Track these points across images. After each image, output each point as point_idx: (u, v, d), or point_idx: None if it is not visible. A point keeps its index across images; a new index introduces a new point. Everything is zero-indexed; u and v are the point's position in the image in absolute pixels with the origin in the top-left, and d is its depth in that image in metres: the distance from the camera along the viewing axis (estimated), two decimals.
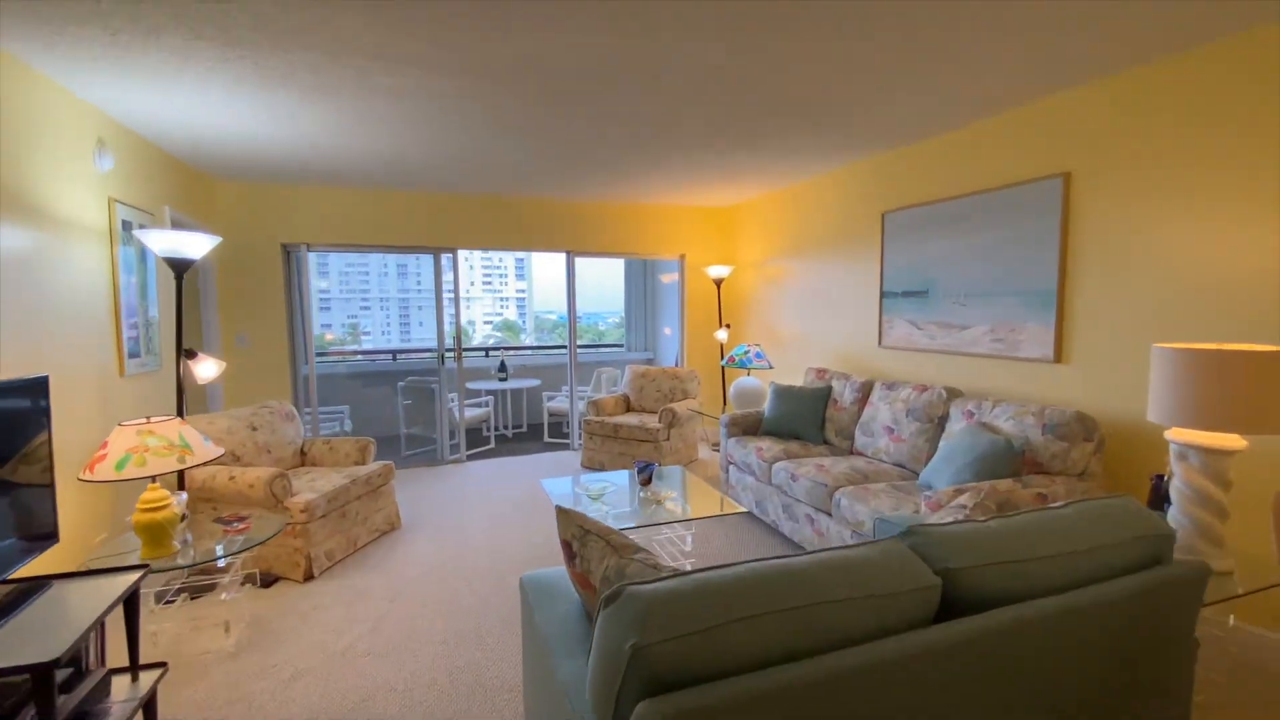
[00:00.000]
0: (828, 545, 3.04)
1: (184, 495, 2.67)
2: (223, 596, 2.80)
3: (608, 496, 3.22)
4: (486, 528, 3.87)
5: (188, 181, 4.19)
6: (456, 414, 5.63)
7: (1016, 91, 2.97)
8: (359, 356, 7.81)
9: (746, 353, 4.81)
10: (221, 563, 2.42)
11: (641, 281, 8.06)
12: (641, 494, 3.23)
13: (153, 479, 2.35)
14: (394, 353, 7.49)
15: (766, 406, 4.22)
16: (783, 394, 4.16)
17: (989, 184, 3.39)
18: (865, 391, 3.87)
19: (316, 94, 2.90)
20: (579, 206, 5.67)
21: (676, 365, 6.61)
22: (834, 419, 3.97)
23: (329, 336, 9.07)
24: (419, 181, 4.80)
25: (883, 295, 4.15)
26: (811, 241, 4.87)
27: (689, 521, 3.25)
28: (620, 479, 3.59)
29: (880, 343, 4.18)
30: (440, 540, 3.68)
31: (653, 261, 8.00)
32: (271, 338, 4.91)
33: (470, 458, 5.78)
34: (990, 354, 3.39)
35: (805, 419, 4.02)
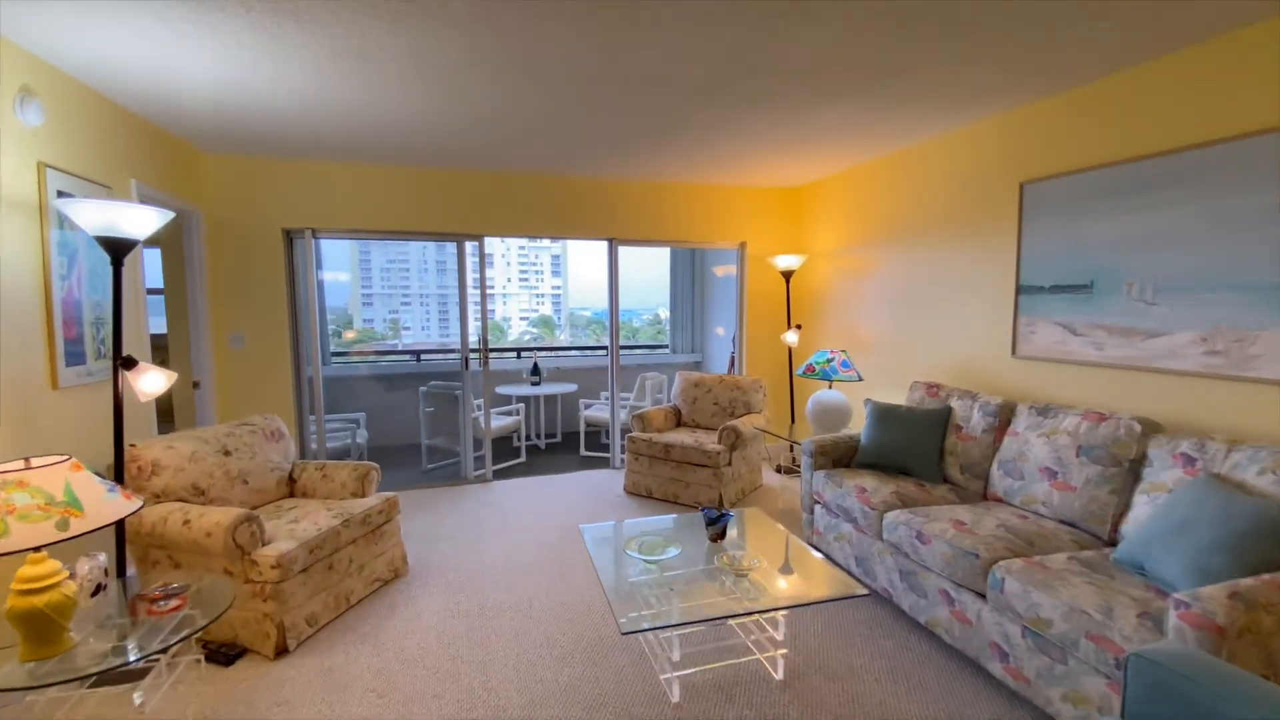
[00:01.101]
0: (983, 638, 2.16)
1: (101, 558, 1.97)
2: (136, 699, 2.09)
3: (668, 558, 2.40)
4: (511, 579, 3.10)
5: (164, 151, 3.54)
6: (483, 423, 4.91)
7: (1237, 8, 2.02)
8: (379, 357, 7.18)
9: (829, 361, 3.92)
10: (135, 660, 1.71)
11: (689, 275, 7.21)
12: (715, 559, 2.40)
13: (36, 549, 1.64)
14: (417, 353, 6.83)
15: (864, 431, 3.33)
16: (885, 416, 3.27)
17: (1189, 139, 2.44)
18: (1004, 416, 2.95)
19: (319, 30, 2.15)
20: (623, 187, 4.85)
21: (734, 372, 5.75)
22: (958, 451, 3.06)
23: (349, 334, 8.44)
24: (441, 156, 4.07)
25: (1019, 290, 3.21)
26: (911, 223, 3.94)
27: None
28: (679, 529, 2.78)
29: (1014, 351, 3.24)
30: (453, 596, 2.93)
31: (704, 252, 7.14)
32: (272, 337, 4.26)
33: (497, 474, 5.05)
34: (1202, 371, 2.44)
35: (918, 449, 3.12)
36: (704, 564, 2.37)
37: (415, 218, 4.45)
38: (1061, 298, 3.00)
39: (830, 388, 4.04)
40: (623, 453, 5.11)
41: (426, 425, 5.41)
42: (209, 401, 4.00)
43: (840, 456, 3.33)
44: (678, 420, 4.72)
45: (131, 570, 2.89)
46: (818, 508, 3.28)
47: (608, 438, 6.28)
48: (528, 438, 6.35)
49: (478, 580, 3.09)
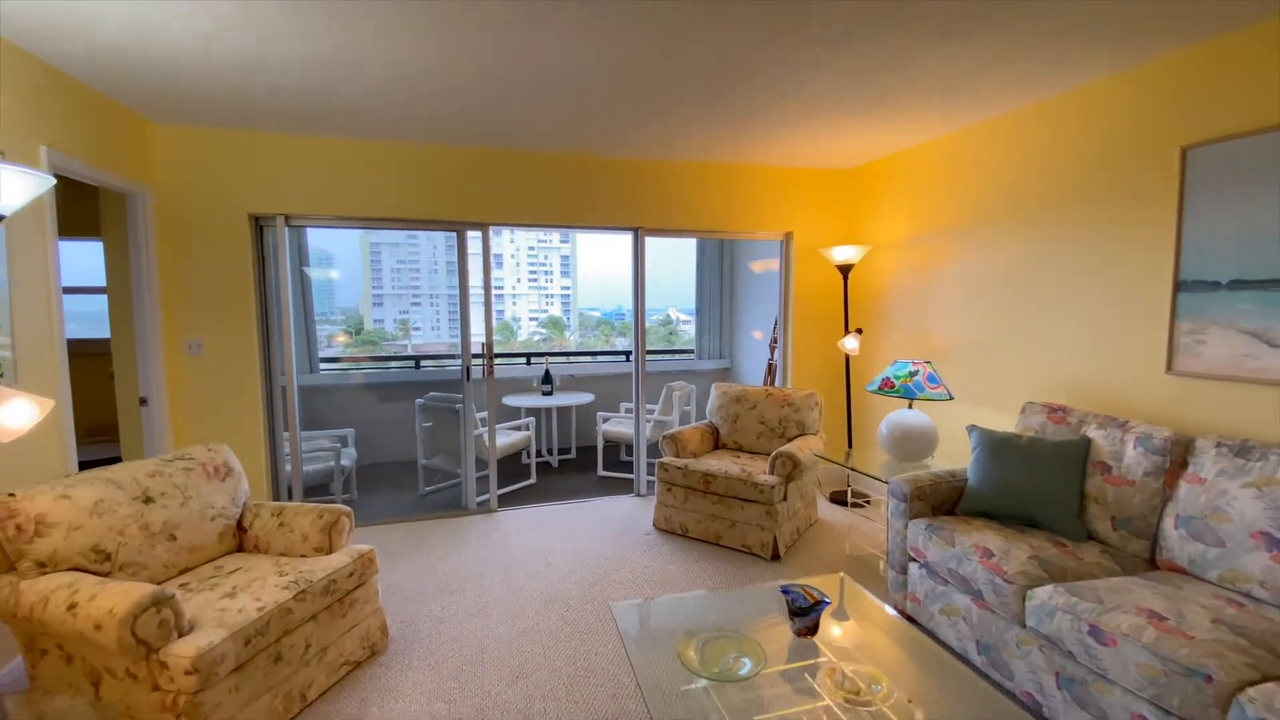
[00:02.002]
0: None
1: None
2: None
3: (744, 675, 1.69)
4: (519, 660, 2.41)
5: (97, 117, 2.88)
6: (487, 441, 4.22)
7: None
8: (376, 364, 6.51)
9: (912, 375, 3.19)
10: None
11: (717, 271, 6.49)
12: (813, 676, 1.68)
13: None
14: (417, 359, 6.15)
15: (972, 467, 2.60)
16: (1001, 449, 2.54)
17: None
18: (1177, 455, 2.21)
19: None
20: (651, 169, 4.15)
21: (773, 383, 5.04)
22: (1107, 499, 2.32)
23: (340, 338, 7.65)
24: (437, 129, 3.39)
25: (1179, 287, 2.47)
26: (1008, 205, 3.21)
27: None
28: (744, 607, 2.07)
29: (1170, 366, 2.50)
30: (441, 688, 2.24)
31: (734, 245, 6.42)
32: (237, 343, 3.59)
33: (504, 500, 4.37)
34: None
35: (1049, 494, 2.39)
36: (793, 683, 1.66)
37: (408, 203, 3.77)
38: (1248, 297, 2.26)
39: (910, 407, 3.30)
40: (649, 475, 4.40)
41: (424, 442, 4.73)
42: (160, 421, 3.34)
43: (941, 501, 2.60)
44: (715, 441, 4.01)
45: (16, 660, 2.23)
46: (913, 566, 2.55)
47: (629, 454, 5.59)
48: (538, 453, 5.67)
49: (475, 662, 2.40)
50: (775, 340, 5.47)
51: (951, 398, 3.21)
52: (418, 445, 4.73)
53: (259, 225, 3.64)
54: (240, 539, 2.48)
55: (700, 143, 3.77)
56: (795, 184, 4.44)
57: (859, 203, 4.46)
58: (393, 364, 6.43)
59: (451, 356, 6.26)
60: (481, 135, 3.60)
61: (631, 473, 4.75)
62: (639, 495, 4.41)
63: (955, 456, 3.38)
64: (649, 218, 4.18)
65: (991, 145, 3.31)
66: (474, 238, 3.95)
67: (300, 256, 5.37)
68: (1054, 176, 2.98)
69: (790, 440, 3.74)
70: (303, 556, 2.38)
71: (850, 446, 4.35)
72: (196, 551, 2.29)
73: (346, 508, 2.49)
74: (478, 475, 4.30)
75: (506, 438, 4.83)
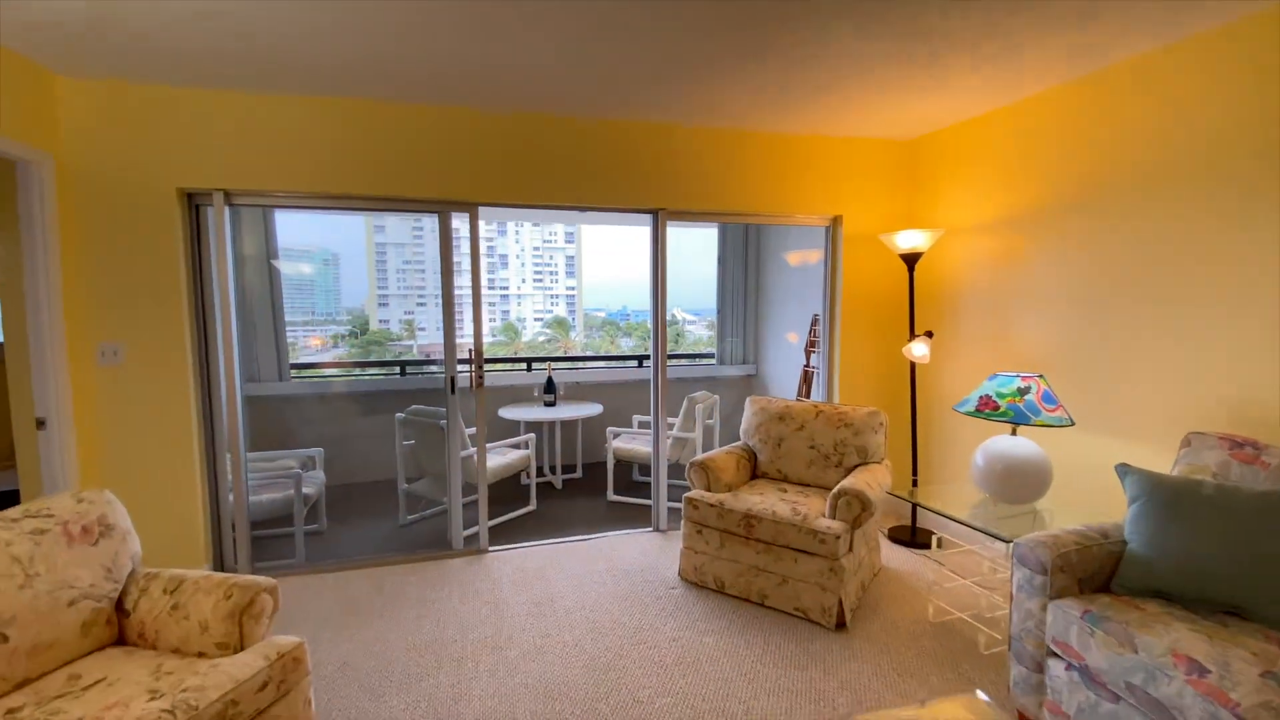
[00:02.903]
0: None
1: None
2: None
3: None
4: None
5: None
6: (476, 463, 3.52)
7: None
8: (355, 370, 5.83)
9: (1022, 392, 2.46)
10: None
11: (741, 264, 5.77)
12: None
13: None
14: (402, 364, 5.46)
15: (1132, 524, 1.88)
16: (1176, 500, 1.82)
17: None
18: None
19: None
20: (674, 137, 3.44)
21: (813, 393, 4.33)
22: None
23: (316, 340, 6.92)
24: (413, 83, 2.70)
25: None
26: (1144, 172, 2.49)
27: None
28: None
29: None
30: None
31: (761, 233, 5.71)
32: (164, 348, 2.91)
33: (498, 533, 3.68)
34: None
35: (1262, 568, 1.67)
36: None
37: (380, 177, 3.07)
38: None
39: (1014, 434, 2.58)
40: (671, 500, 3.70)
41: (405, 463, 4.04)
42: (61, 448, 2.66)
43: (1091, 572, 1.88)
44: (753, 469, 3.30)
45: None
46: (1055, 663, 1.83)
47: (643, 474, 4.89)
48: (539, 472, 4.97)
49: None
50: (813, 344, 4.77)
51: (1072, 423, 2.48)
52: (398, 467, 4.04)
53: (193, 204, 2.96)
54: (119, 625, 1.79)
55: (733, 106, 3.06)
56: (845, 158, 3.73)
57: (922, 181, 3.74)
58: (373, 370, 5.74)
59: (436, 362, 5.57)
60: (466, 93, 2.91)
61: (648, 498, 4.06)
62: (658, 530, 3.70)
63: (1074, 501, 2.65)
64: (672, 197, 3.47)
65: (1089, 109, 2.59)
66: (461, 222, 3.25)
67: (268, 247, 4.69)
68: (1217, 133, 2.25)
69: (849, 470, 3.03)
70: (201, 655, 1.68)
71: (915, 475, 3.63)
72: (44, 654, 1.60)
73: (267, 582, 1.79)
74: (466, 501, 3.61)
75: (501, 458, 4.14)
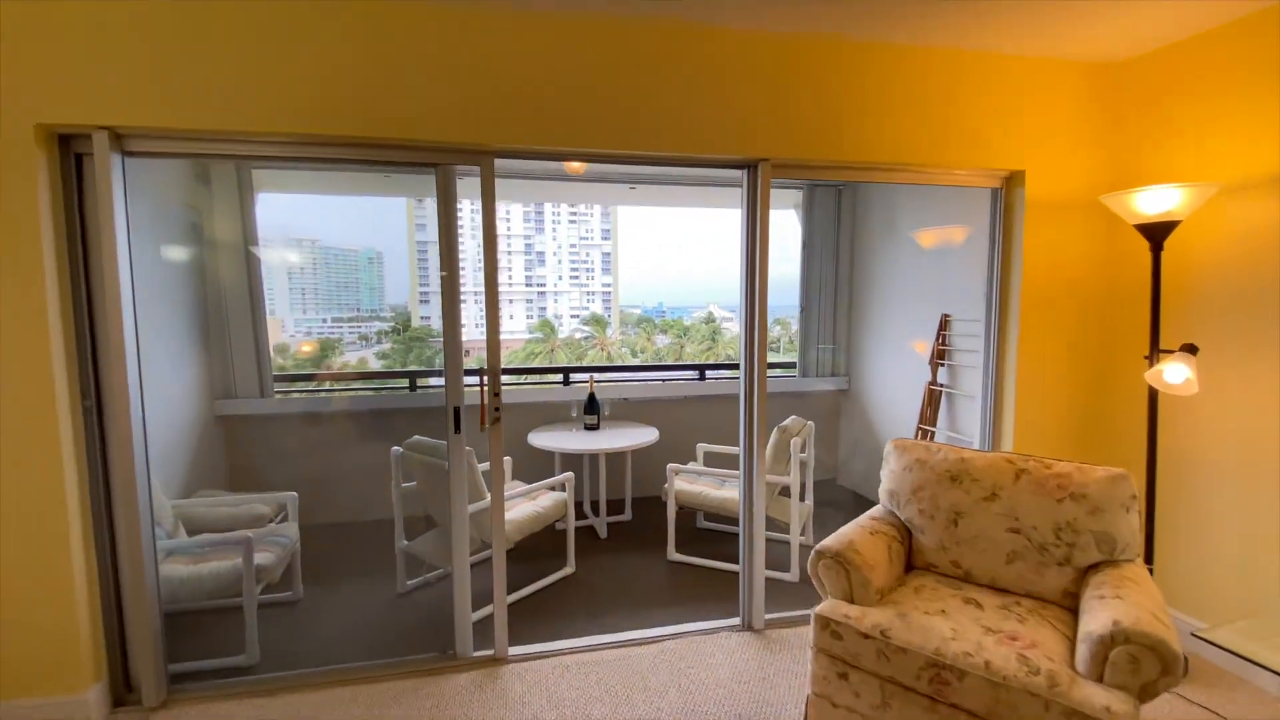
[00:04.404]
0: None
1: None
2: None
3: None
4: None
5: None
6: (493, 531, 2.47)
7: None
8: (350, 383, 4.89)
9: None
10: None
11: (831, 246, 4.57)
12: None
13: None
14: (411, 374, 4.47)
15: None
16: None
17: None
18: None
19: None
20: (778, 51, 2.30)
21: (941, 421, 3.14)
22: None
23: (306, 346, 5.84)
24: None
25: None
26: None
27: None
28: None
29: None
30: None
31: (865, 208, 4.50)
32: (20, 355, 1.95)
33: (522, 616, 2.64)
34: None
35: None
36: None
37: (349, 114, 2.03)
38: None
39: None
40: (780, 567, 2.57)
41: (404, 516, 3.04)
42: None
43: None
44: (907, 559, 2.14)
45: None
46: None
47: (711, 519, 3.78)
48: (579, 512, 3.92)
49: None
50: (942, 355, 3.56)
51: None
52: (396, 520, 3.04)
53: (71, 151, 1.98)
54: None
55: (865, 4, 1.92)
56: (1025, 87, 2.52)
57: (1142, 117, 2.49)
58: (376, 385, 4.78)
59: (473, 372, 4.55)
60: None
61: (722, 557, 2.99)
62: (751, 629, 2.57)
63: None
64: (778, 142, 2.33)
65: None
66: (468, 181, 2.20)
67: (245, 232, 3.75)
68: None
69: (1082, 572, 1.85)
70: None
71: (1150, 566, 2.40)
72: None
73: None
74: (478, 560, 2.59)
75: (529, 506, 3.09)
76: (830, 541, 1.96)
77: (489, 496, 2.44)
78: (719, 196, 4.80)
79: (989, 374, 2.72)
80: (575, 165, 3.13)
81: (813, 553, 1.96)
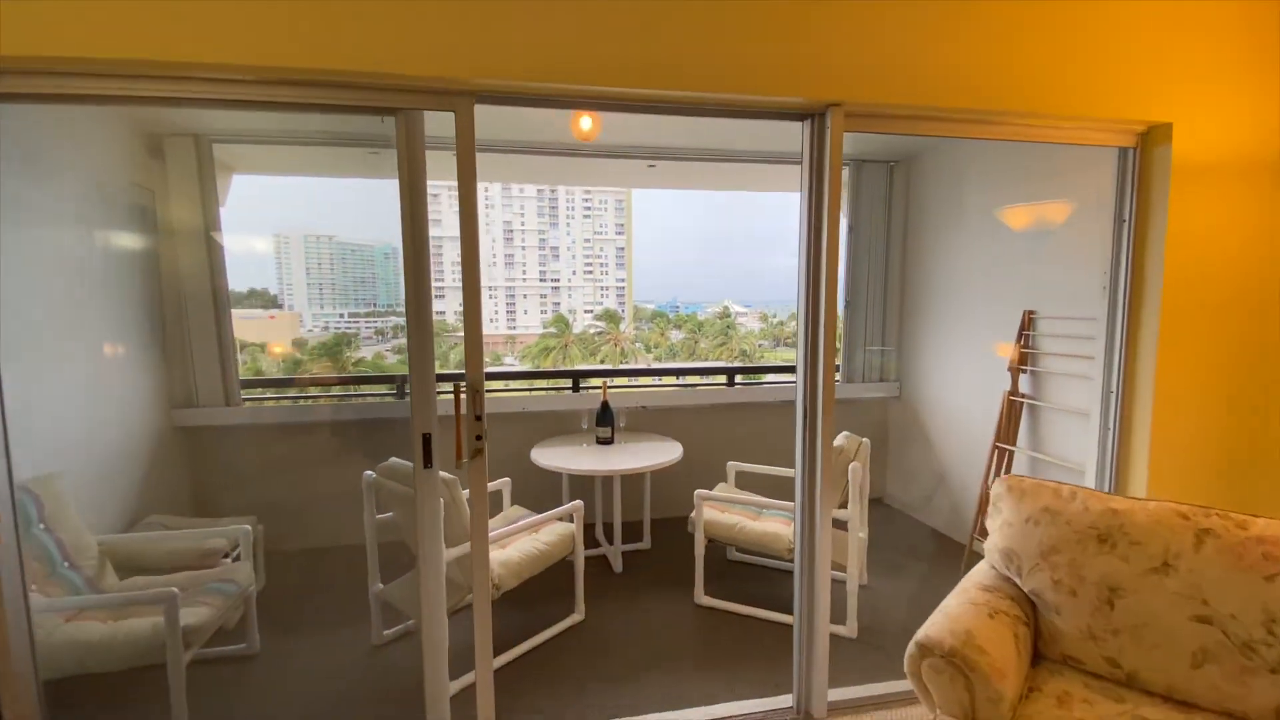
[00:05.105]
0: None
1: None
2: None
3: None
4: None
5: None
6: (474, 588, 1.94)
7: None
8: (329, 390, 4.38)
9: None
10: None
11: (882, 230, 3.96)
12: None
13: None
14: (401, 382, 3.95)
15: None
16: None
17: None
18: None
19: None
20: None
21: (1021, 436, 2.54)
22: None
23: (276, 349, 5.29)
24: None
25: None
26: None
27: None
28: None
29: None
30: None
31: (923, 190, 3.89)
32: None
33: (511, 679, 2.11)
34: None
35: None
36: None
37: (283, 40, 1.50)
38: None
39: None
40: (842, 620, 2.01)
41: (379, 547, 2.52)
42: None
43: None
44: (1035, 647, 1.56)
45: None
46: None
47: (742, 552, 3.22)
48: (590, 538, 3.39)
49: None
50: (1024, 359, 2.97)
51: None
52: (369, 557, 2.52)
53: None
54: None
55: None
56: (1174, 13, 1.92)
57: None
58: (365, 391, 4.28)
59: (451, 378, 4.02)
60: None
61: (760, 600, 2.46)
62: (808, 716, 2.00)
63: None
64: (853, 81, 1.75)
65: None
66: (438, 132, 1.66)
67: (207, 215, 3.25)
68: None
69: None
70: None
71: None
72: None
73: None
74: (454, 613, 2.06)
75: (528, 543, 2.56)
76: (939, 632, 1.39)
77: (466, 544, 1.90)
78: (744, 176, 4.22)
79: (1114, 388, 2.12)
80: (585, 128, 2.57)
81: (913, 645, 1.40)
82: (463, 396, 1.60)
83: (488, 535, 1.80)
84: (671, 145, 3.54)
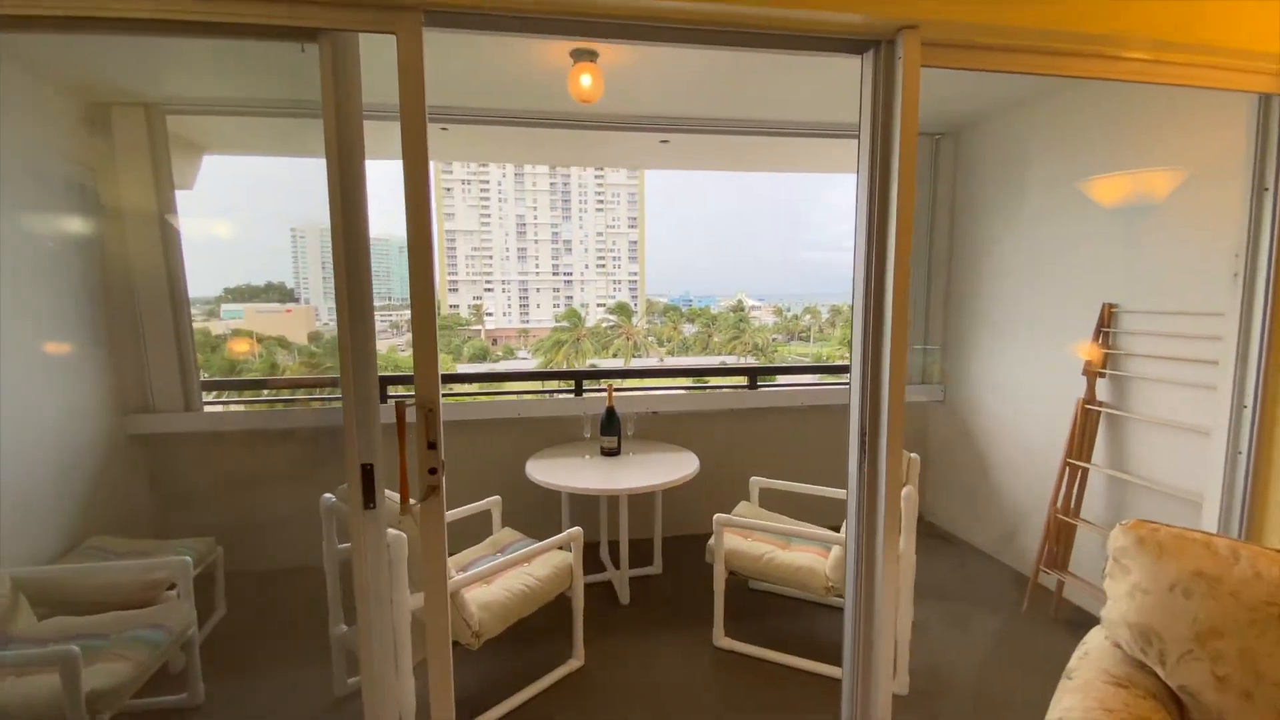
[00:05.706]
0: None
1: None
2: None
3: None
4: None
5: None
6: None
7: None
8: (296, 391, 3.99)
9: None
10: None
11: (926, 211, 3.50)
12: None
13: None
14: (383, 382, 3.57)
15: None
16: None
17: None
18: None
19: None
20: None
21: (1097, 451, 2.10)
22: None
23: (239, 346, 4.90)
24: None
25: None
26: None
27: None
28: None
29: None
30: None
31: (976, 167, 3.43)
32: None
33: None
34: None
35: None
36: None
37: None
38: None
39: None
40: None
41: (340, 582, 2.14)
42: None
43: None
44: None
45: None
46: None
47: (759, 583, 2.80)
48: (593, 559, 2.99)
49: None
50: (1104, 361, 2.51)
51: None
52: (329, 594, 2.14)
53: None
54: None
55: None
56: None
57: None
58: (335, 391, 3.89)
59: (456, 379, 3.54)
60: None
61: (797, 650, 2.05)
62: None
63: None
64: (913, 3, 1.32)
65: None
66: (377, 53, 1.25)
67: (160, 197, 2.88)
68: None
69: None
70: None
71: None
72: None
73: None
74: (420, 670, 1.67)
75: (516, 579, 2.16)
76: None
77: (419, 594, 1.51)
78: (765, 152, 3.77)
79: (1249, 401, 1.67)
80: (585, 85, 2.14)
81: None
82: (409, 420, 1.20)
83: (447, 597, 1.41)
84: (686, 115, 3.11)
